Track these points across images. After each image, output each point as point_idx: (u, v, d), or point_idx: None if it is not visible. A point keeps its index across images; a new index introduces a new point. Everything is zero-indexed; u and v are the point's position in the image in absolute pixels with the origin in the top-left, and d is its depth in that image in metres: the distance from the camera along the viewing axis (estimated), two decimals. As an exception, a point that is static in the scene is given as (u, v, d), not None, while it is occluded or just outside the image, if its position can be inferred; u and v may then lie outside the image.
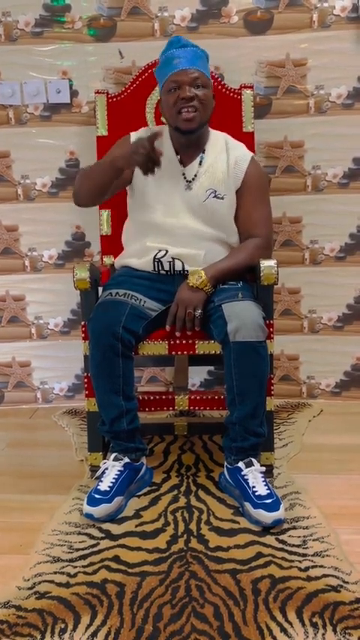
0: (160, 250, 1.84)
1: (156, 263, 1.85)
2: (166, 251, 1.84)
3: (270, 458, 1.86)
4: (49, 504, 1.75)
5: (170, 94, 1.78)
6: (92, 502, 1.66)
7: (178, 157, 1.87)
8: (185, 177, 1.86)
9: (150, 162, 1.64)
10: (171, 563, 1.47)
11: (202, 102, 1.78)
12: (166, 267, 1.85)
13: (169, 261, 1.84)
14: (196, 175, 1.85)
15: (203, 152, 1.87)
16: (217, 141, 1.90)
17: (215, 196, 1.84)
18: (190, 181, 1.85)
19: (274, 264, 1.75)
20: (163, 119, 2.09)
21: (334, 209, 2.36)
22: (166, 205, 1.85)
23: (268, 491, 1.65)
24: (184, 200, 1.85)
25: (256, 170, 1.89)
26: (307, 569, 1.43)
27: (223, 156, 1.87)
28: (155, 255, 1.84)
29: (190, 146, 1.86)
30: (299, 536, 1.56)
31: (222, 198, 1.85)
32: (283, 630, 1.25)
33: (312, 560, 1.46)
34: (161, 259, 1.84)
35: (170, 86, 1.78)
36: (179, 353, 1.84)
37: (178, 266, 1.84)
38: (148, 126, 2.14)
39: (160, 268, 1.85)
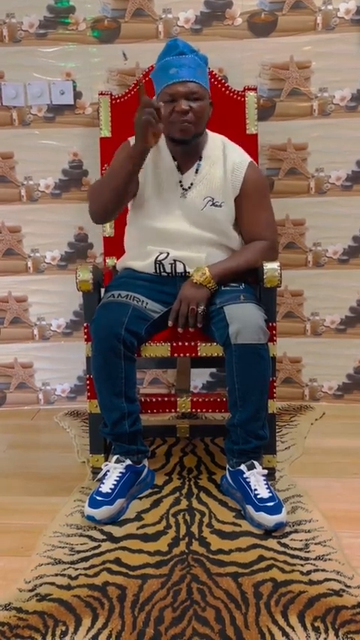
0: (161, 253, 1.84)
1: (157, 265, 1.85)
2: (168, 253, 1.83)
3: (272, 461, 1.86)
4: (50, 506, 1.75)
5: (165, 105, 1.75)
6: (94, 504, 1.65)
7: (176, 163, 1.86)
8: (182, 185, 1.85)
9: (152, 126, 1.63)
10: (172, 565, 1.46)
11: (197, 115, 1.76)
12: (168, 270, 1.84)
13: (171, 263, 1.84)
14: (192, 184, 1.84)
15: (200, 159, 1.86)
16: (215, 147, 1.88)
17: (213, 204, 1.83)
18: (186, 189, 1.84)
19: (277, 267, 1.74)
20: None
21: (338, 212, 2.35)
22: (165, 213, 1.84)
23: (270, 494, 1.64)
24: (182, 207, 1.84)
25: (254, 175, 1.87)
26: (309, 572, 1.43)
27: (220, 163, 1.85)
28: (157, 258, 1.84)
29: (188, 153, 1.85)
30: (301, 540, 1.55)
31: (220, 206, 1.84)
32: (285, 634, 1.25)
33: (314, 564, 1.46)
34: (162, 261, 1.84)
35: (165, 98, 1.76)
36: (181, 355, 1.83)
37: (179, 268, 1.84)
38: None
39: (161, 270, 1.85)
